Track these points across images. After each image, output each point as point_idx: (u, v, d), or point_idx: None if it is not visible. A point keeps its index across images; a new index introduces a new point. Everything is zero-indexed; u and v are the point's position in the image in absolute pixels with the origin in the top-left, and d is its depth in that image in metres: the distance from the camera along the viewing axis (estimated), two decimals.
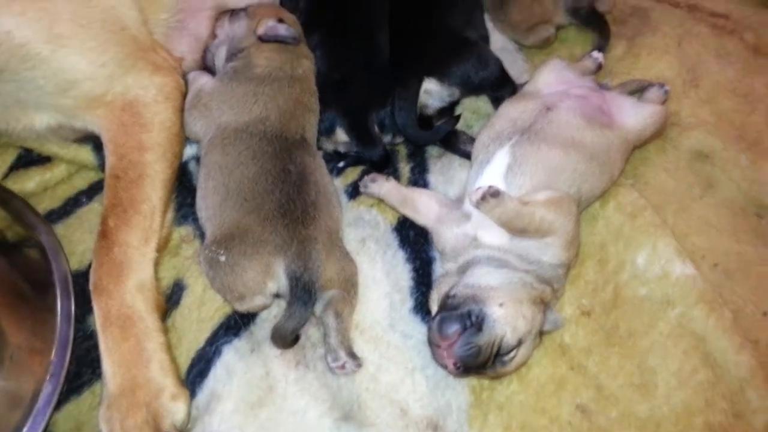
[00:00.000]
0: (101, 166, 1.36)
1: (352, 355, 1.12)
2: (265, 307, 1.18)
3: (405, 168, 1.44)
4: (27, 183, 1.37)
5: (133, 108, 1.25)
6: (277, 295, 1.15)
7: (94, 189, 1.38)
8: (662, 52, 1.59)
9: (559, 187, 1.17)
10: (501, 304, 1.05)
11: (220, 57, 1.41)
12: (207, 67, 1.46)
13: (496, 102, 1.43)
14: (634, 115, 1.32)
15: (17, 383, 1.04)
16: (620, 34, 1.63)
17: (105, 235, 1.15)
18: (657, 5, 1.72)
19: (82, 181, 1.39)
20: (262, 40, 1.36)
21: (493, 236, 1.15)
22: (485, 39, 1.53)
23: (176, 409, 1.06)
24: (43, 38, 1.13)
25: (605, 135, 1.25)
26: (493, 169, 1.21)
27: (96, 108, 1.23)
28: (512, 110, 1.31)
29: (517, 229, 1.11)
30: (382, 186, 1.32)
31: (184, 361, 1.16)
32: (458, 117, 1.44)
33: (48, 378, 1.06)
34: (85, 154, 1.37)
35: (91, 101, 1.22)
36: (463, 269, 1.17)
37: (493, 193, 1.09)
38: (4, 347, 1.05)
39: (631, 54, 1.59)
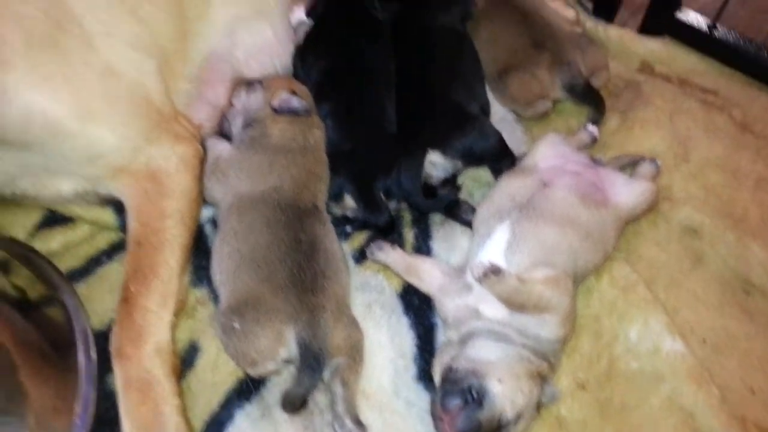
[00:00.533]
0: (122, 227, 1.42)
1: (358, 423, 1.17)
2: (276, 373, 1.24)
3: (409, 234, 1.50)
4: (51, 242, 1.42)
5: (155, 177, 1.32)
6: (287, 361, 1.20)
7: (115, 249, 1.44)
8: (654, 126, 1.68)
9: (556, 263, 1.24)
10: (500, 380, 1.11)
11: (236, 125, 1.49)
12: (223, 134, 1.54)
13: (497, 172, 1.51)
14: (627, 193, 1.40)
15: None
16: (614, 107, 1.72)
17: (126, 299, 1.21)
18: (650, 79, 1.82)
19: (103, 241, 1.45)
20: (276, 111, 1.44)
21: (494, 310, 1.21)
22: (486, 110, 1.61)
23: None
24: (74, 115, 1.20)
25: (599, 213, 1.33)
26: (494, 244, 1.28)
27: (121, 177, 1.30)
28: (511, 185, 1.39)
29: (516, 305, 1.18)
30: (389, 254, 1.39)
31: (199, 424, 1.21)
32: (460, 187, 1.52)
33: None
34: (107, 215, 1.43)
35: (116, 171, 1.29)
36: (464, 340, 1.23)
37: (494, 271, 1.16)
38: (29, 408, 1.10)
39: (624, 127, 1.68)
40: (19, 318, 1.20)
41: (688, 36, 1.83)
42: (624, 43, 1.88)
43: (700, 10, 1.96)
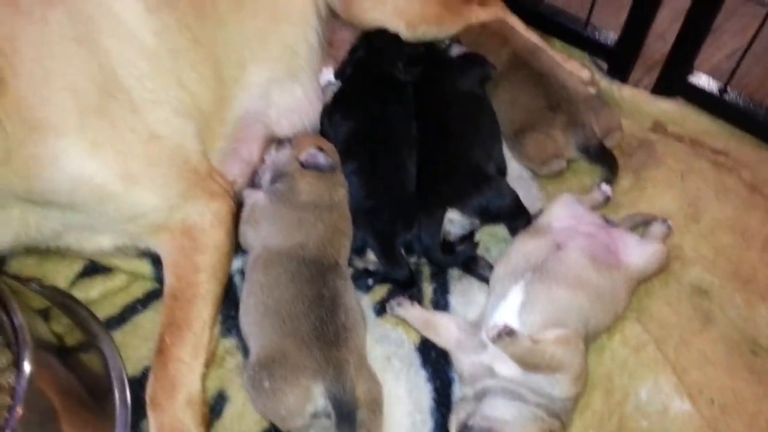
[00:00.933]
0: (157, 277, 1.52)
1: None
2: (305, 428, 1.29)
3: (428, 288, 1.57)
4: (90, 291, 1.51)
5: (191, 233, 1.41)
6: (314, 416, 1.26)
7: (150, 297, 1.53)
8: (666, 186, 1.74)
9: (568, 324, 1.30)
10: None
11: (265, 179, 1.59)
12: (255, 187, 1.63)
13: (513, 230, 1.58)
14: (639, 255, 1.46)
15: None
16: (627, 166, 1.79)
17: (162, 351, 1.29)
18: (662, 138, 1.88)
19: (138, 290, 1.54)
20: (304, 166, 1.53)
21: (508, 369, 1.27)
22: (503, 170, 1.68)
23: None
24: (118, 178, 1.29)
25: (611, 275, 1.39)
26: (509, 305, 1.34)
27: (159, 233, 1.39)
28: (526, 246, 1.46)
29: (529, 366, 1.24)
30: (408, 310, 1.46)
31: None
32: (477, 243, 1.59)
33: None
34: (144, 266, 1.53)
35: (155, 228, 1.39)
36: (480, 396, 1.29)
37: (509, 332, 1.22)
38: None
39: (637, 187, 1.74)
40: (59, 365, 1.28)
41: (699, 98, 1.89)
42: (637, 102, 1.95)
43: (712, 72, 2.04)
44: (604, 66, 2.06)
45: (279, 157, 1.59)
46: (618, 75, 2.01)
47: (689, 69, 1.88)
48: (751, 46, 1.78)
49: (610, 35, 2.02)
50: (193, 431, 1.24)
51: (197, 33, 1.47)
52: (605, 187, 1.68)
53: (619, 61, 2.00)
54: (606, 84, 2.00)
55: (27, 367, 1.13)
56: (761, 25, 1.73)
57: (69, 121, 1.23)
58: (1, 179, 1.15)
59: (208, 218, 1.43)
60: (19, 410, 1.07)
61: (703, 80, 1.89)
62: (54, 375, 1.25)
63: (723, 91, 1.85)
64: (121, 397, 1.32)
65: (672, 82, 1.91)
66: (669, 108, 1.93)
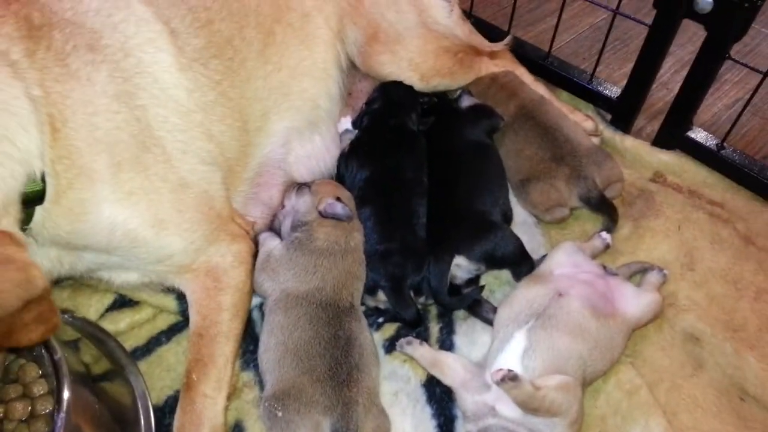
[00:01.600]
0: (181, 312, 1.62)
1: None
2: None
3: (434, 327, 1.67)
4: (119, 323, 1.62)
5: (213, 273, 1.51)
6: None
7: (173, 330, 1.63)
8: (664, 235, 1.84)
9: (567, 370, 1.39)
10: None
11: (286, 225, 1.69)
12: (274, 229, 1.74)
13: (517, 275, 1.67)
14: (635, 305, 1.55)
15: None
16: (627, 215, 1.89)
17: (189, 387, 1.39)
18: (662, 188, 1.98)
19: (163, 323, 1.64)
20: (322, 215, 1.64)
21: (509, 410, 1.35)
22: (508, 218, 1.78)
23: None
24: (149, 224, 1.39)
25: (608, 324, 1.48)
26: (512, 349, 1.43)
27: (184, 273, 1.50)
28: (529, 292, 1.55)
29: (530, 409, 1.32)
30: (416, 349, 1.55)
31: None
32: (482, 287, 1.68)
33: None
34: (169, 301, 1.63)
35: (180, 268, 1.49)
36: None
37: (512, 377, 1.30)
38: None
39: (636, 235, 1.84)
40: (90, 395, 1.38)
41: (697, 152, 1.99)
42: (639, 153, 2.06)
43: (713, 121, 2.15)
44: (608, 117, 2.17)
45: (299, 204, 1.69)
46: (621, 126, 2.12)
47: (688, 125, 1.99)
48: (748, 104, 1.89)
49: (614, 89, 2.13)
50: None
51: (225, 88, 1.59)
52: (605, 235, 1.78)
53: (622, 113, 2.12)
54: (609, 134, 2.11)
55: (66, 396, 1.22)
56: (759, 84, 1.83)
57: (108, 170, 1.34)
58: (50, 219, 1.25)
59: (229, 259, 1.53)
60: None
61: (700, 136, 1.99)
62: (86, 404, 1.34)
63: (720, 146, 1.95)
64: (146, 425, 1.42)
65: (672, 136, 2.02)
66: (669, 159, 2.04)
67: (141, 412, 1.43)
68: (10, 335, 1.10)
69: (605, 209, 1.82)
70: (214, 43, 1.60)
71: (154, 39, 1.48)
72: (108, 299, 1.65)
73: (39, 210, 1.23)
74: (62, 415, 1.21)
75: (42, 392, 1.38)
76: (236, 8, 1.68)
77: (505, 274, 1.73)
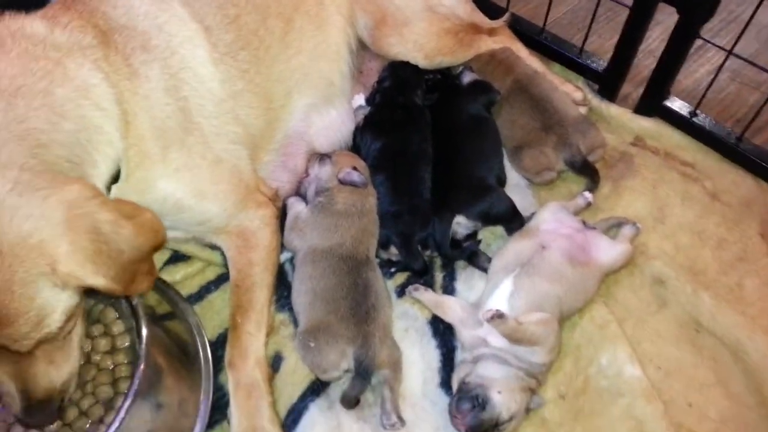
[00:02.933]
0: (225, 265, 1.92)
1: (400, 418, 1.63)
2: (339, 378, 1.71)
3: (439, 276, 1.96)
4: (175, 275, 1.92)
5: (244, 235, 1.79)
6: (347, 371, 1.67)
7: (220, 280, 1.93)
8: (639, 193, 2.10)
9: (546, 309, 1.68)
10: (500, 392, 1.55)
11: (310, 191, 1.97)
12: (300, 194, 2.03)
13: (509, 231, 1.94)
14: (608, 254, 1.83)
15: (182, 422, 1.60)
16: (608, 176, 2.14)
17: (234, 327, 1.70)
18: (640, 151, 2.23)
19: (211, 274, 1.95)
20: (341, 182, 1.92)
21: (498, 340, 1.65)
22: (503, 181, 2.04)
23: None
24: (192, 194, 1.66)
25: (583, 271, 1.76)
26: (501, 293, 1.72)
27: (219, 234, 1.79)
28: (517, 245, 1.83)
29: (514, 340, 1.62)
30: (422, 294, 1.85)
31: (282, 412, 1.68)
32: (479, 241, 1.96)
33: (198, 418, 1.62)
34: (215, 255, 1.93)
35: (216, 230, 1.77)
36: (476, 360, 1.68)
37: (500, 315, 1.59)
38: (173, 397, 1.60)
39: (615, 193, 2.10)
40: (161, 333, 1.70)
41: (673, 119, 2.23)
42: (622, 119, 2.30)
43: (694, 86, 2.38)
44: (596, 87, 2.40)
45: (321, 172, 1.97)
46: (607, 95, 2.36)
47: (665, 95, 2.22)
48: (717, 75, 2.11)
49: (601, 62, 2.36)
50: (261, 384, 1.64)
51: (252, 76, 1.85)
52: (587, 194, 2.04)
53: (608, 84, 2.35)
54: (596, 103, 2.35)
55: (145, 332, 1.54)
56: (725, 60, 2.05)
57: (161, 152, 1.60)
58: (124, 193, 1.52)
59: (256, 223, 1.80)
60: (142, 366, 1.49)
61: (676, 104, 2.23)
62: (158, 338, 1.65)
63: (693, 114, 2.19)
64: (204, 355, 1.74)
65: (651, 105, 2.25)
66: (648, 125, 2.28)
67: (199, 345, 1.75)
68: (132, 282, 1.35)
69: (588, 172, 2.07)
70: (242, 36, 1.84)
71: (192, 37, 1.71)
72: (165, 255, 1.96)
73: (114, 188, 1.50)
74: (143, 346, 1.52)
75: (120, 331, 1.70)
76: (259, 1, 1.90)
77: (500, 229, 2.01)
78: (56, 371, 1.38)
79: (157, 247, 1.41)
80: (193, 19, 1.73)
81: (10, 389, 1.34)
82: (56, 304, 1.25)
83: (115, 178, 1.50)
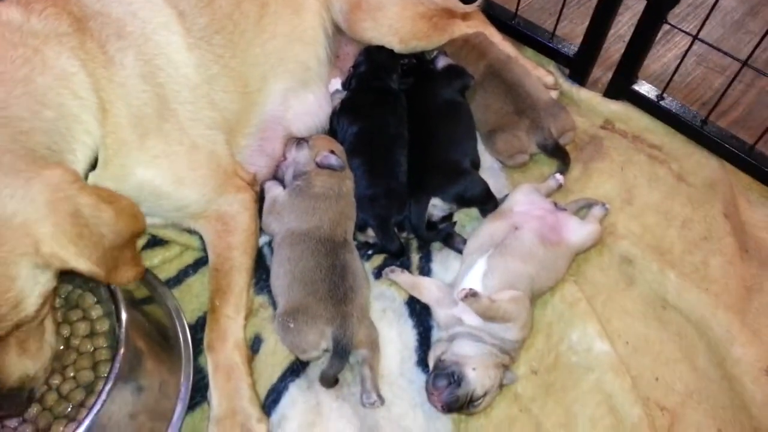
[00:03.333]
0: (203, 249, 1.93)
1: (380, 396, 1.67)
2: (318, 358, 1.74)
3: (415, 257, 2.00)
4: (153, 259, 1.93)
5: (222, 219, 1.80)
6: (326, 350, 1.70)
7: (198, 264, 1.95)
8: (608, 175, 2.16)
9: (518, 287, 1.73)
10: (474, 368, 1.60)
11: (288, 175, 1.99)
12: (277, 178, 2.04)
13: (483, 213, 1.99)
14: (578, 234, 1.88)
15: (162, 404, 1.62)
16: (578, 158, 2.20)
17: (213, 310, 1.72)
18: (610, 134, 2.29)
19: (189, 258, 1.96)
20: (319, 166, 1.94)
21: (472, 319, 1.69)
22: (477, 164, 2.08)
23: (260, 428, 1.61)
24: (170, 181, 1.67)
25: (554, 251, 1.82)
26: (475, 272, 1.76)
27: (198, 219, 1.80)
28: (491, 226, 1.88)
29: (487, 317, 1.66)
30: (398, 276, 1.89)
31: (262, 392, 1.71)
32: (455, 222, 2.00)
33: (179, 400, 1.64)
34: (193, 240, 1.94)
35: (195, 215, 1.78)
36: (451, 339, 1.72)
37: (473, 294, 1.64)
38: (153, 380, 1.62)
39: (585, 176, 2.16)
40: (140, 316, 1.71)
41: (641, 103, 2.29)
42: (592, 103, 2.36)
43: (662, 70, 2.44)
44: (567, 71, 2.45)
45: (299, 156, 1.99)
46: (577, 79, 2.41)
47: (633, 79, 2.28)
48: (684, 59, 2.17)
49: (571, 47, 2.40)
50: (240, 366, 1.67)
51: (227, 60, 1.85)
52: (558, 177, 2.09)
53: (578, 68, 2.40)
54: (567, 87, 2.40)
55: (124, 316, 1.56)
56: (690, 45, 2.11)
57: (139, 139, 1.61)
58: (101, 180, 1.52)
59: (235, 207, 1.81)
60: (122, 350, 1.51)
61: (644, 88, 2.29)
62: (138, 322, 1.67)
63: (660, 97, 2.25)
64: (184, 338, 1.76)
65: (619, 89, 2.31)
66: (617, 108, 2.34)
67: (179, 328, 1.77)
68: (116, 270, 1.37)
69: (559, 155, 2.13)
70: (216, 20, 1.83)
71: (166, 23, 1.71)
72: (143, 240, 1.96)
73: (91, 176, 1.50)
74: (123, 330, 1.54)
75: (99, 315, 1.72)
76: None
77: (474, 211, 2.05)
78: (29, 360, 1.40)
79: (138, 233, 1.43)
80: (167, 4, 1.72)
81: None
82: (35, 287, 1.26)
83: (93, 166, 1.50)
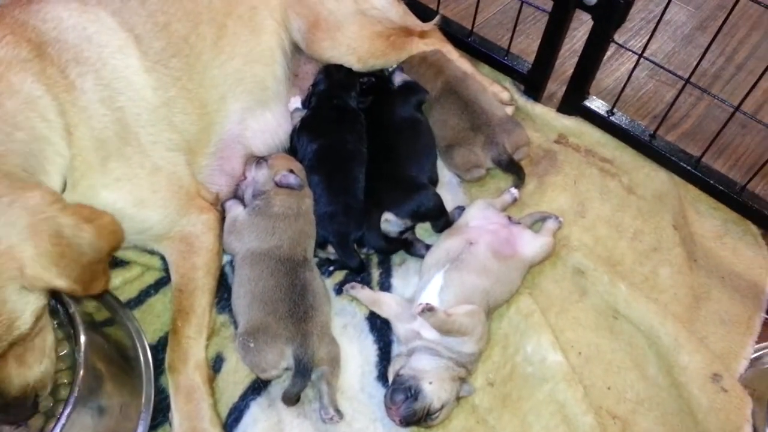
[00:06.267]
0: (164, 269, 1.95)
1: (338, 411, 1.70)
2: (279, 377, 1.77)
3: (375, 273, 2.03)
4: (114, 280, 1.91)
5: (187, 240, 1.82)
6: (287, 369, 1.73)
7: (159, 284, 1.95)
8: (562, 189, 2.22)
9: (474, 301, 1.78)
10: (430, 382, 1.64)
11: (247, 194, 2.01)
12: (238, 197, 2.06)
13: (437, 228, 2.03)
14: (531, 247, 1.94)
15: (124, 426, 1.62)
16: (533, 173, 2.26)
17: (175, 331, 1.73)
18: (563, 149, 2.36)
19: (150, 278, 1.96)
20: (278, 185, 1.97)
21: (430, 333, 1.74)
22: (434, 179, 2.13)
23: None
24: (132, 203, 1.69)
25: (508, 264, 1.87)
26: (432, 287, 1.81)
27: (162, 241, 1.81)
28: (447, 242, 1.93)
29: (443, 331, 1.71)
30: (359, 292, 1.93)
31: (224, 411, 1.73)
32: (406, 239, 2.04)
33: (140, 422, 1.65)
34: (154, 260, 1.95)
35: (158, 237, 1.80)
36: (410, 353, 1.76)
37: (430, 309, 1.68)
38: (114, 402, 1.63)
39: (539, 190, 2.22)
40: (100, 339, 1.71)
41: (592, 118, 2.37)
42: (546, 118, 2.42)
43: (615, 84, 2.52)
44: (521, 87, 2.52)
45: (258, 176, 2.01)
46: (532, 95, 2.48)
47: (584, 95, 2.35)
48: (632, 75, 2.25)
49: (525, 64, 2.47)
50: (202, 387, 1.68)
51: (185, 83, 1.87)
52: (513, 191, 2.15)
53: (532, 84, 2.46)
54: (522, 102, 2.46)
55: (83, 339, 1.56)
56: (636, 63, 2.19)
57: (101, 162, 1.63)
58: (71, 202, 1.51)
59: (199, 227, 1.84)
60: (81, 372, 1.51)
61: (595, 104, 2.36)
62: (97, 345, 1.66)
63: (610, 113, 2.33)
64: (145, 359, 1.77)
65: (572, 104, 2.38)
66: (570, 123, 2.41)
67: (140, 349, 1.78)
68: (92, 282, 1.42)
69: (514, 169, 2.19)
70: (173, 44, 1.86)
71: (122, 46, 1.73)
72: None
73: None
74: (82, 353, 1.54)
75: (59, 338, 1.71)
76: (190, 8, 1.92)
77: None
78: (29, 371, 1.46)
79: (117, 247, 1.49)
80: (123, 29, 1.75)
81: None
82: (25, 307, 1.33)
83: (63, 189, 1.52)
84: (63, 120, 1.50)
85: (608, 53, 2.69)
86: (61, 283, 1.31)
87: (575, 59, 2.78)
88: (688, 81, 2.06)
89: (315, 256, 1.98)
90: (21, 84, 1.46)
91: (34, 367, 1.46)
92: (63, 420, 1.45)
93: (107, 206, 1.63)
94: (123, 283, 1.96)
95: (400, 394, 1.64)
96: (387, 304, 1.90)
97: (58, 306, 1.66)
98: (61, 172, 1.50)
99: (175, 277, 1.82)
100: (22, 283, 1.28)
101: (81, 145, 1.56)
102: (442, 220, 2.01)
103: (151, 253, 1.94)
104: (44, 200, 1.30)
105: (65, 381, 1.67)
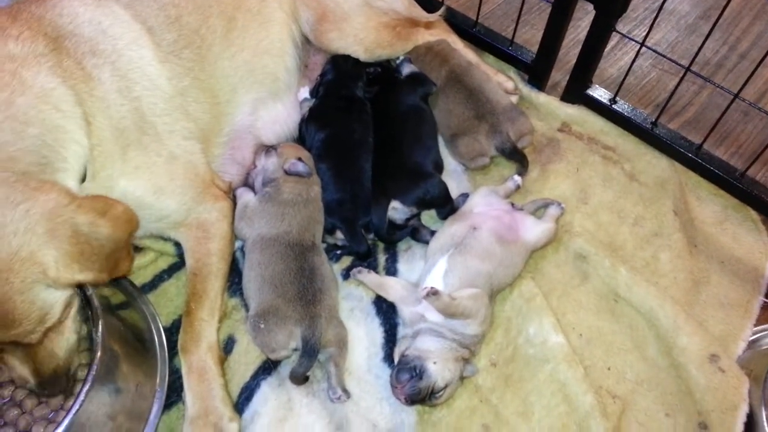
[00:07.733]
0: (178, 255, 2.01)
1: (345, 391, 1.76)
2: (288, 357, 1.83)
3: (381, 258, 2.09)
4: None
5: (202, 227, 1.88)
6: (295, 350, 1.79)
7: (173, 269, 2.02)
8: (565, 176, 2.26)
9: (477, 285, 1.83)
10: (435, 362, 1.70)
11: (258, 182, 2.07)
12: (248, 184, 2.12)
13: (442, 215, 2.08)
14: (533, 232, 1.99)
15: (139, 405, 1.70)
16: (536, 160, 2.31)
17: (188, 313, 1.79)
18: (566, 137, 2.39)
19: (164, 263, 2.03)
20: (287, 173, 2.02)
21: (434, 316, 1.79)
22: (440, 167, 2.17)
23: (232, 427, 1.69)
24: (150, 192, 1.75)
25: (511, 249, 1.92)
26: (436, 272, 1.86)
27: (179, 228, 1.88)
28: (452, 227, 1.98)
29: (448, 314, 1.76)
30: (365, 276, 1.98)
31: (235, 391, 1.80)
32: (412, 226, 2.09)
33: (155, 401, 1.72)
34: (168, 246, 2.01)
35: (175, 224, 1.86)
36: (415, 335, 1.82)
37: (434, 292, 1.73)
38: (130, 382, 1.69)
39: (542, 177, 2.26)
40: (116, 321, 1.78)
41: (595, 106, 2.40)
42: (550, 107, 2.46)
43: (616, 78, 2.55)
44: (526, 77, 2.55)
45: (268, 164, 2.07)
46: (536, 84, 2.51)
47: (588, 84, 2.39)
48: (633, 64, 2.29)
49: (529, 54, 2.51)
50: (213, 368, 1.75)
51: (197, 73, 1.92)
52: (517, 178, 2.20)
53: (536, 74, 2.50)
54: (526, 92, 2.50)
55: (101, 322, 1.63)
56: (638, 52, 2.22)
57: (121, 151, 1.69)
58: (90, 193, 1.58)
59: (214, 215, 1.90)
60: (99, 353, 1.58)
61: (598, 92, 2.40)
62: (114, 327, 1.74)
63: (612, 101, 2.37)
64: (159, 341, 1.84)
65: (575, 93, 2.42)
66: (573, 112, 2.45)
67: (154, 332, 1.85)
68: (116, 267, 1.51)
69: (517, 157, 2.23)
70: (184, 36, 1.91)
71: (136, 38, 1.78)
72: None
73: (81, 188, 1.57)
74: (99, 334, 1.60)
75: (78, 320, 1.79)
76: (200, 1, 1.97)
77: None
78: (58, 350, 1.55)
79: (134, 233, 1.55)
80: (136, 21, 1.80)
81: (23, 372, 1.52)
82: (54, 302, 1.42)
83: (84, 178, 1.58)
84: (80, 109, 1.55)
85: (612, 43, 2.75)
86: (84, 276, 1.39)
87: (579, 49, 2.83)
88: (688, 69, 2.10)
89: (323, 241, 2.04)
90: (34, 79, 1.50)
91: (62, 346, 1.54)
92: (81, 397, 1.52)
93: (126, 195, 1.70)
94: (138, 268, 2.02)
95: (406, 373, 1.69)
96: (393, 288, 1.95)
97: (76, 288, 1.73)
98: (81, 161, 1.54)
99: (190, 262, 1.88)
100: (47, 283, 1.36)
101: (101, 135, 1.61)
102: (448, 207, 2.06)
103: (165, 239, 2.00)
104: (59, 203, 1.36)
105: (83, 362, 1.73)
